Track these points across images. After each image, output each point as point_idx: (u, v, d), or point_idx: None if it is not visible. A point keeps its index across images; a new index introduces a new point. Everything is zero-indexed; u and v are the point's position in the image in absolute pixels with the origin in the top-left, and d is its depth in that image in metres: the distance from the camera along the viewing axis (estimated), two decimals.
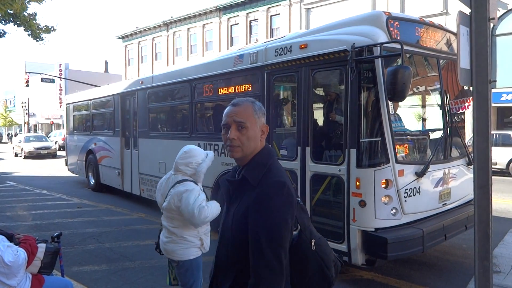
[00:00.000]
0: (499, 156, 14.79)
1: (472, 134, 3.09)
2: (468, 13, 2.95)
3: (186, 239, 3.17)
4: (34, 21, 11.30)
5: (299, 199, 1.79)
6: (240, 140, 1.75)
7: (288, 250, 1.66)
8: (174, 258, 3.20)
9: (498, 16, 3.09)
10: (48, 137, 31.86)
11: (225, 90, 6.66)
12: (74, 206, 9.69)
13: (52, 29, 11.80)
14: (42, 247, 3.23)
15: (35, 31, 11.35)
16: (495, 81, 2.92)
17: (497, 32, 3.08)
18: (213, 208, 3.12)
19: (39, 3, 11.09)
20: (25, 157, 25.11)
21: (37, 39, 11.66)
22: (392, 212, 4.52)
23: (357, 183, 4.53)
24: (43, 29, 11.56)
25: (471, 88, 3.07)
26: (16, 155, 27.31)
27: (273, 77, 5.74)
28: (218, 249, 1.83)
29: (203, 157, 3.27)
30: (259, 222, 1.60)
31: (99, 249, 6.27)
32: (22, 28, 11.28)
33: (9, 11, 10.45)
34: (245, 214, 1.65)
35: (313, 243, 1.79)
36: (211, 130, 7.34)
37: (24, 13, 10.88)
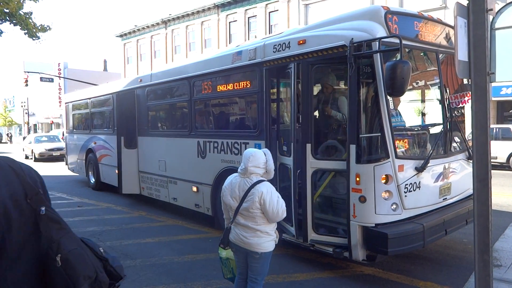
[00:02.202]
0: (500, 150, 14.78)
1: (471, 129, 3.07)
2: (466, 5, 2.93)
3: (269, 233, 3.47)
4: (30, 20, 11.27)
5: (43, 209, 1.62)
6: None
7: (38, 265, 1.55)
8: (258, 250, 3.43)
9: (497, 9, 3.06)
10: None
11: (224, 87, 6.64)
12: (75, 205, 9.69)
13: (48, 28, 11.77)
14: None
15: (31, 30, 11.32)
16: (494, 73, 2.90)
17: (497, 25, 3.06)
18: (284, 204, 3.47)
19: (35, 2, 11.06)
20: (36, 160, 22.84)
21: (34, 38, 11.63)
22: (392, 207, 4.51)
23: (357, 179, 4.52)
24: (39, 28, 11.54)
25: (469, 81, 3.05)
26: (26, 157, 25.13)
27: (272, 73, 5.72)
28: None
29: (264, 156, 3.52)
30: None
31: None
32: (19, 27, 11.26)
33: (5, 10, 10.41)
34: None
35: (58, 259, 1.57)
36: (211, 128, 7.32)
37: (20, 12, 10.85)
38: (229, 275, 3.73)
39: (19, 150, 33.64)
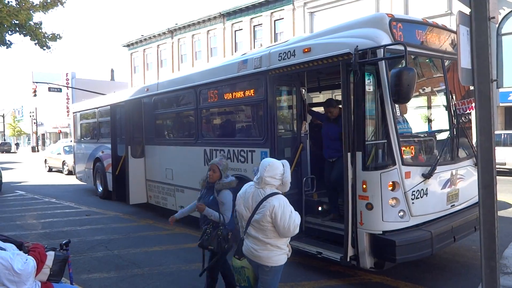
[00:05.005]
0: (508, 156, 14.63)
1: (476, 135, 3.08)
2: (468, 13, 2.94)
3: (280, 247, 3.35)
4: (40, 30, 11.39)
5: None
6: None
7: None
8: (268, 264, 3.34)
9: (503, 15, 3.08)
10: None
11: (230, 95, 6.69)
12: (83, 214, 9.74)
13: (58, 36, 11.88)
14: (51, 255, 3.25)
15: (41, 40, 11.43)
16: (496, 80, 2.91)
17: (503, 31, 3.07)
18: (298, 219, 3.32)
19: (44, 13, 11.18)
20: (70, 173, 19.19)
21: (44, 48, 11.74)
22: (399, 214, 4.50)
23: (364, 186, 4.52)
24: (49, 37, 11.65)
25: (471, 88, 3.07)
26: (50, 169, 22.27)
27: (277, 81, 5.75)
28: None
29: (282, 167, 3.41)
30: None
31: (108, 256, 6.29)
32: (29, 37, 11.38)
33: (15, 22, 10.55)
34: None
35: None
36: (217, 136, 7.36)
37: (30, 22, 10.98)
38: (244, 283, 3.62)
39: (31, 161, 33.91)
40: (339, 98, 5.46)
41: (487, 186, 2.99)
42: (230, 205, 4.21)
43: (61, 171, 20.83)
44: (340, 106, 5.71)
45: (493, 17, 2.79)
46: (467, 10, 2.98)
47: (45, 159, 23.37)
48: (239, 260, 3.54)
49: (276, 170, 3.33)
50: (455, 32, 5.45)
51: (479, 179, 3.06)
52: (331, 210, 5.62)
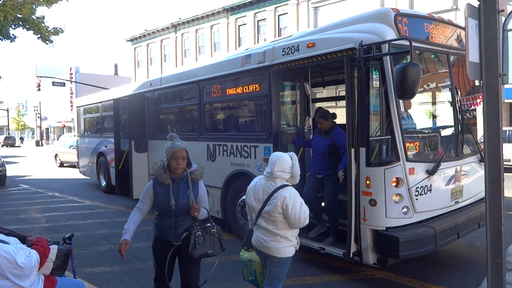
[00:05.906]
0: None
1: (483, 131, 3.05)
2: (477, 6, 2.90)
3: (289, 239, 3.42)
4: (43, 24, 11.43)
5: None
6: None
7: None
8: (277, 255, 3.41)
9: (509, 10, 3.03)
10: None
11: (233, 90, 6.66)
12: (86, 208, 9.78)
13: (60, 30, 11.90)
14: (54, 248, 3.26)
15: (44, 34, 11.47)
16: (506, 74, 2.87)
17: (509, 26, 3.02)
18: (307, 211, 3.40)
19: (48, 7, 11.20)
20: None
21: (47, 42, 11.78)
22: (403, 210, 4.48)
23: (367, 182, 4.49)
24: (52, 31, 11.68)
25: (481, 83, 3.03)
26: (61, 165, 21.25)
27: (281, 76, 5.72)
28: None
29: (290, 160, 3.48)
30: None
31: (111, 250, 6.31)
32: (32, 31, 11.42)
33: (18, 16, 10.58)
34: None
35: None
36: (220, 131, 7.35)
37: (33, 16, 11.02)
38: (250, 277, 3.68)
39: (35, 155, 34.04)
40: (343, 93, 5.45)
41: (494, 182, 2.97)
42: (207, 196, 3.77)
43: (75, 166, 19.35)
44: (334, 120, 5.69)
45: (502, 10, 2.74)
46: (475, 3, 2.94)
47: (56, 154, 21.84)
48: (248, 251, 3.61)
49: (285, 164, 3.41)
50: (460, 27, 5.42)
51: (486, 175, 3.03)
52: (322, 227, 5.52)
